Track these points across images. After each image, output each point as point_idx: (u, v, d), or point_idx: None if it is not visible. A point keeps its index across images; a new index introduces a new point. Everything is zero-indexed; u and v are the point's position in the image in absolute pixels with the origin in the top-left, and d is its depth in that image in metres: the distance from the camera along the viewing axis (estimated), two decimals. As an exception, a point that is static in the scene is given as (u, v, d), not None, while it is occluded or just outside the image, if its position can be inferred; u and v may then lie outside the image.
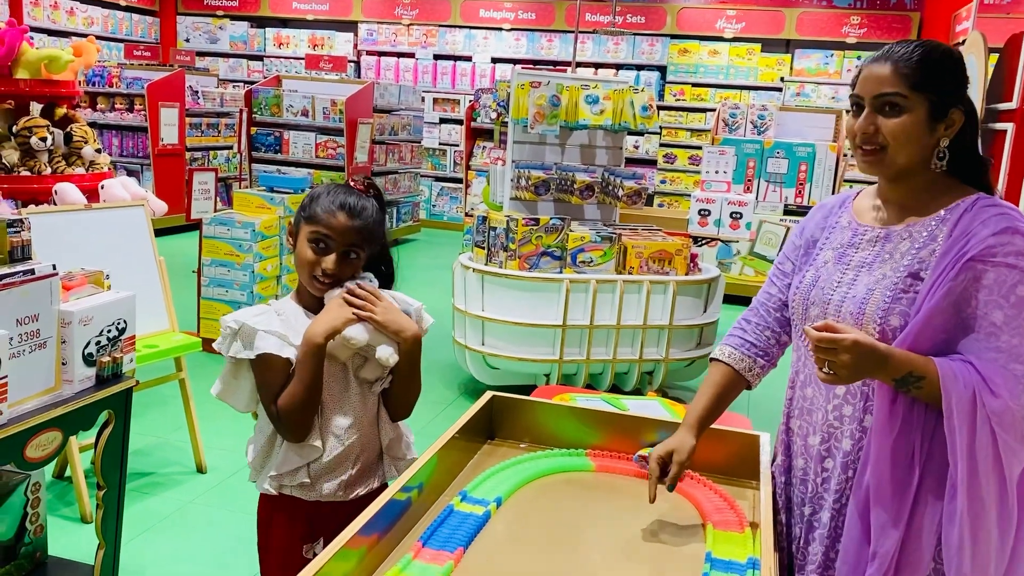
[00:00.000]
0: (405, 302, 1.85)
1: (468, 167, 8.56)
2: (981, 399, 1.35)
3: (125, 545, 2.80)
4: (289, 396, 1.71)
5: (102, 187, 3.63)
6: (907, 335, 1.41)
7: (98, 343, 2.36)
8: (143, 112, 8.78)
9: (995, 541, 1.38)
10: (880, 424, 1.44)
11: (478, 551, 1.49)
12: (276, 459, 1.78)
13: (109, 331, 2.42)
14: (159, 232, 8.94)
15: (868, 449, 1.46)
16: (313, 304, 1.79)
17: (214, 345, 1.78)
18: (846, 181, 7.41)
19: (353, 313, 1.70)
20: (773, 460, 1.76)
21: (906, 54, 1.43)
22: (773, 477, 1.72)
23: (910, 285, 1.43)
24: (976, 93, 3.88)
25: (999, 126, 3.75)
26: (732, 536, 1.56)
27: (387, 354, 1.72)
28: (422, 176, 10.42)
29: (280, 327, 1.72)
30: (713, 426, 1.93)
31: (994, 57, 3.95)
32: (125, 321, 2.48)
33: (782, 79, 9.98)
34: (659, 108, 10.30)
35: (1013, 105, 3.62)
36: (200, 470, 3.50)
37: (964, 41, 4.21)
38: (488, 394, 2.01)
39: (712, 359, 1.76)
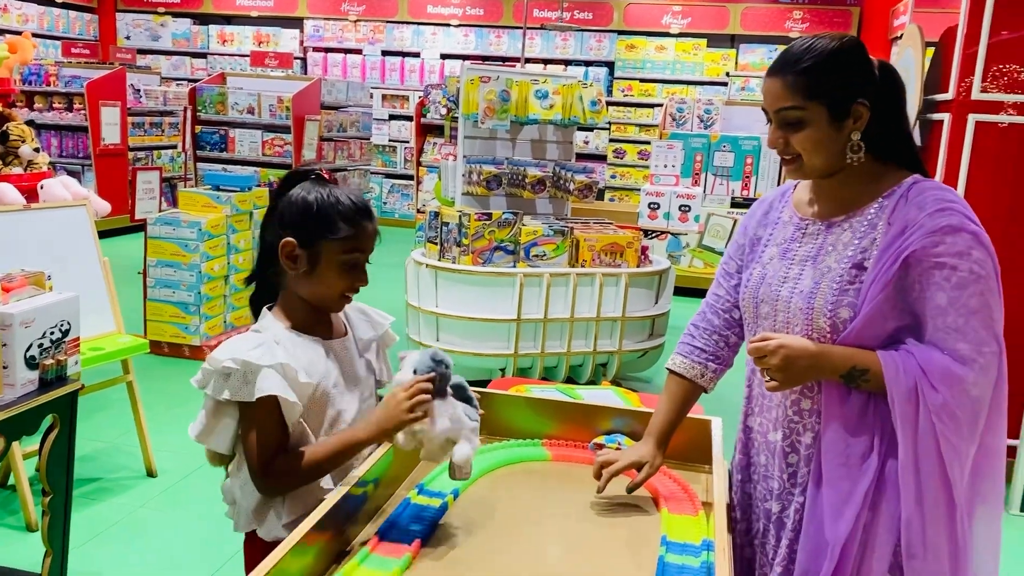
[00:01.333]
0: (378, 314, 1.75)
1: (419, 163, 8.53)
2: (922, 392, 1.37)
3: (73, 552, 2.73)
4: (308, 464, 1.48)
5: (41, 187, 3.54)
6: (853, 328, 1.43)
7: (41, 346, 2.31)
8: (83, 111, 8.56)
9: (944, 530, 1.40)
10: (829, 413, 1.47)
11: (436, 543, 1.48)
12: (281, 507, 1.53)
13: (52, 333, 2.36)
14: (103, 234, 8.72)
15: (820, 438, 1.49)
16: (307, 323, 1.57)
17: (192, 381, 1.51)
18: (791, 173, 7.55)
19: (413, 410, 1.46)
20: (733, 458, 1.77)
21: (794, 64, 1.43)
22: (731, 475, 1.74)
23: (855, 276, 1.44)
24: (914, 84, 3.99)
25: (936, 116, 3.86)
26: (686, 519, 1.58)
27: (464, 458, 1.50)
28: (372, 173, 10.34)
29: (285, 358, 1.47)
30: (666, 412, 1.96)
31: (930, 51, 4.06)
32: (69, 323, 2.42)
33: (727, 74, 10.13)
34: (608, 104, 10.38)
35: (949, 96, 3.73)
36: (150, 474, 3.43)
37: (902, 36, 4.32)
38: (443, 387, 2.01)
39: (667, 368, 1.77)
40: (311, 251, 1.53)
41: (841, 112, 1.44)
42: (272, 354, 1.46)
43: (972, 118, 3.64)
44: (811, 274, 1.50)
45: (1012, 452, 3.59)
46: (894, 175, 1.49)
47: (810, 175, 1.52)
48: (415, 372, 1.49)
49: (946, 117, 3.73)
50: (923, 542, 1.39)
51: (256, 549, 1.54)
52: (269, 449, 1.47)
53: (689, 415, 1.92)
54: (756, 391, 1.65)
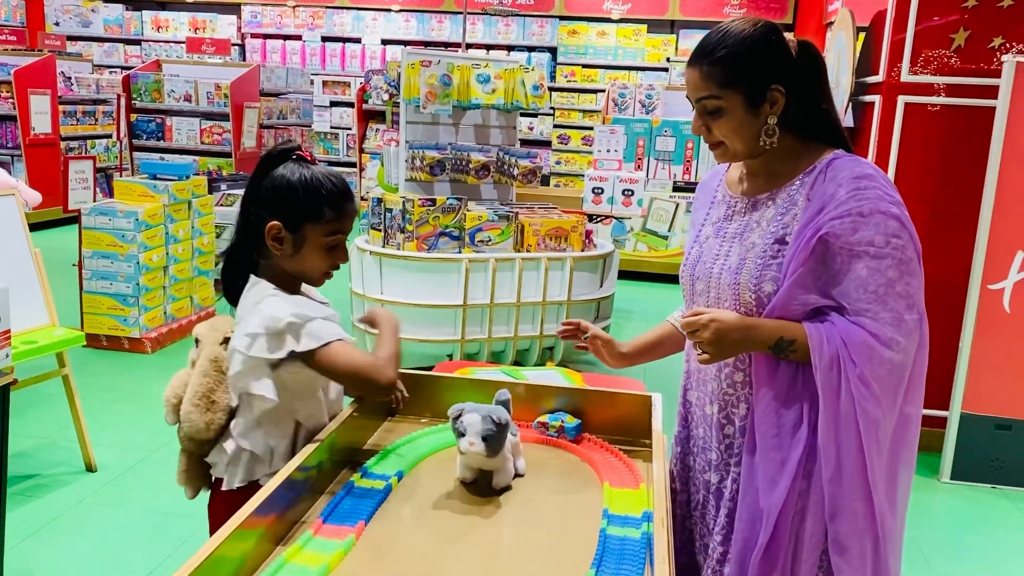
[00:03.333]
0: (319, 297, 1.79)
1: (361, 150, 8.45)
2: (843, 362, 1.42)
3: (10, 550, 2.67)
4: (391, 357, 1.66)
5: (-34, 177, 3.41)
6: (776, 301, 1.47)
7: (-32, 339, 2.23)
8: (11, 100, 8.27)
9: (861, 493, 1.44)
10: (760, 384, 1.51)
11: (380, 524, 1.49)
12: (283, 451, 1.66)
13: (-20, 326, 2.29)
14: (35, 226, 8.46)
15: (752, 410, 1.53)
16: (292, 290, 1.68)
17: (237, 347, 1.59)
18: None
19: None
20: (674, 432, 1.81)
21: (709, 54, 1.47)
22: (673, 447, 1.78)
23: (778, 251, 1.48)
24: (846, 67, 4.08)
25: (868, 98, 3.96)
26: (627, 493, 1.61)
27: (505, 481, 1.61)
28: (315, 161, 10.21)
29: (321, 310, 1.65)
30: (608, 390, 1.99)
31: (863, 35, 4.16)
32: (-2, 315, 2.35)
33: (668, 59, 10.23)
34: (551, 89, 10.41)
35: (879, 78, 3.83)
36: (89, 468, 3.35)
37: (834, 21, 4.42)
38: (386, 371, 2.01)
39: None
40: (296, 234, 1.61)
41: (757, 98, 1.47)
42: (313, 308, 1.62)
43: (901, 100, 3.75)
44: (738, 250, 1.54)
45: (942, 423, 3.72)
46: (815, 152, 1.53)
47: (736, 158, 1.56)
48: (484, 440, 1.54)
49: (877, 99, 3.83)
50: (842, 504, 1.44)
51: (219, 507, 1.66)
52: (365, 361, 1.61)
53: (630, 391, 1.96)
54: (693, 366, 1.69)
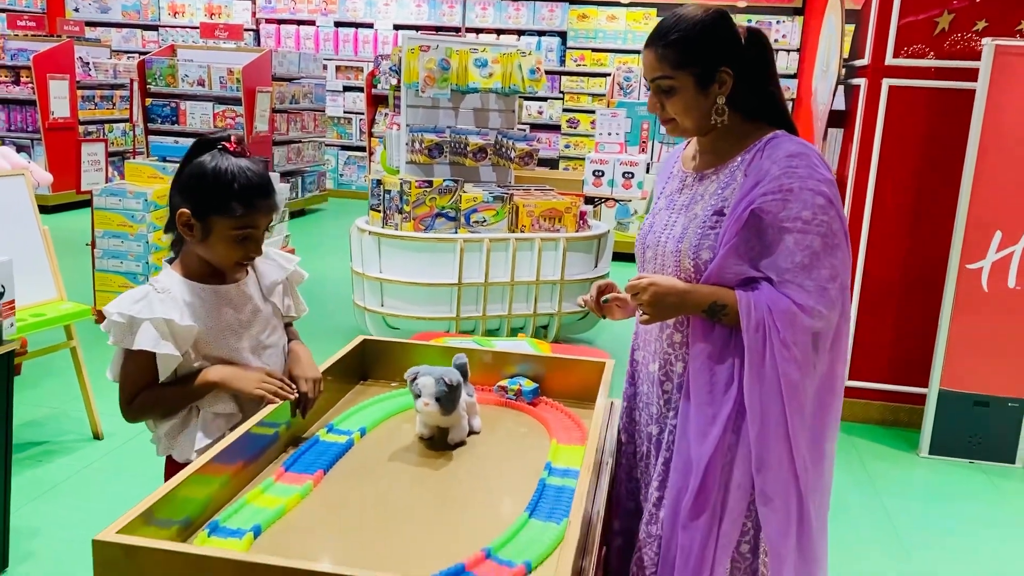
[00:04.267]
0: (283, 257, 1.89)
1: (371, 134, 8.57)
2: (768, 328, 1.53)
3: (18, 510, 2.84)
4: (164, 402, 1.68)
5: (-21, 158, 3.57)
6: (712, 268, 1.59)
7: (-26, 308, 2.39)
8: (30, 85, 8.47)
9: (784, 446, 1.55)
10: (695, 344, 1.63)
11: (338, 474, 1.62)
12: (195, 430, 1.70)
13: (-14, 296, 2.44)
14: (53, 208, 8.66)
15: (688, 366, 1.64)
16: (203, 274, 1.71)
17: (103, 327, 1.66)
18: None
19: (264, 394, 1.65)
20: (624, 389, 1.93)
21: (663, 37, 1.58)
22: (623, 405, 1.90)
23: (716, 222, 1.60)
24: (835, 51, 4.14)
25: (855, 81, 4.02)
26: (573, 448, 1.73)
27: (459, 437, 1.73)
28: (327, 145, 10.35)
29: (164, 311, 1.62)
30: (566, 356, 2.11)
31: (851, 28, 4.22)
32: (3, 286, 2.50)
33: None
34: (561, 73, 10.47)
35: (865, 61, 3.89)
36: (96, 436, 3.52)
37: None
38: (359, 337, 2.13)
39: None
40: (204, 224, 1.65)
41: (707, 79, 1.59)
42: (151, 308, 1.61)
43: (886, 83, 3.80)
44: (682, 220, 1.65)
45: (921, 399, 3.80)
46: (759, 132, 1.64)
47: (686, 134, 1.68)
48: (437, 400, 1.66)
49: (863, 82, 3.89)
50: (767, 458, 1.55)
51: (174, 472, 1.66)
52: (132, 389, 1.66)
53: (587, 358, 2.08)
54: (640, 328, 1.81)
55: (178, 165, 1.72)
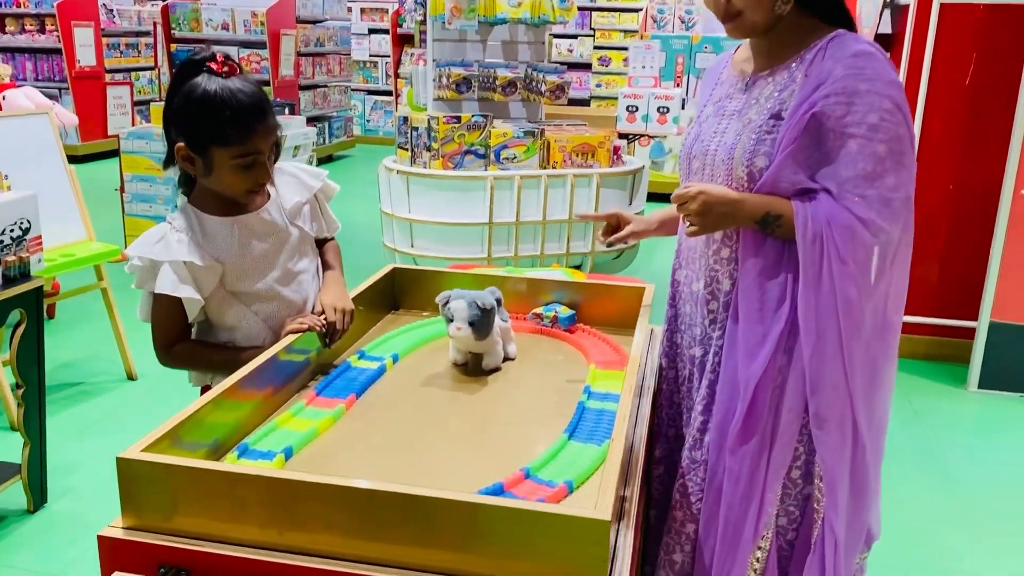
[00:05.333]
0: (309, 174, 1.78)
1: (397, 75, 8.43)
2: (825, 242, 1.43)
3: (56, 448, 2.85)
4: (204, 364, 1.65)
5: (3, 98, 3.53)
6: (767, 176, 1.48)
7: (1, 243, 2.36)
8: (56, 33, 8.42)
9: (840, 367, 1.46)
10: (745, 258, 1.53)
11: (371, 398, 1.56)
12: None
13: (12, 231, 2.41)
14: (83, 158, 8.67)
15: (737, 284, 1.55)
16: (220, 205, 1.61)
17: (127, 269, 1.60)
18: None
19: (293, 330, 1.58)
20: (665, 313, 1.84)
21: None
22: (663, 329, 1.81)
23: (773, 126, 1.49)
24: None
25: (903, 1, 3.82)
26: (612, 373, 1.66)
27: (494, 363, 1.68)
28: (354, 90, 10.22)
29: (182, 252, 1.54)
30: (603, 282, 2.03)
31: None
32: (29, 221, 2.47)
33: (713, -24, 9.88)
34: (592, 10, 10.19)
35: (916, -21, 3.68)
36: (130, 377, 3.53)
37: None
38: (389, 266, 2.07)
39: None
40: (203, 157, 1.54)
41: None
42: (169, 250, 1.54)
43: (937, 1, 3.60)
44: (735, 127, 1.55)
45: (971, 333, 3.68)
46: (819, 31, 1.52)
47: (749, 32, 1.54)
48: (470, 324, 1.59)
49: (912, 1, 3.69)
50: (822, 379, 1.46)
51: None
52: (164, 334, 1.61)
53: (626, 283, 1.99)
54: (683, 245, 1.72)
55: (167, 94, 1.61)
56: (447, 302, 1.64)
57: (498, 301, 1.67)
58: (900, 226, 1.46)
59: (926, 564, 2.49)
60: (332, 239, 1.87)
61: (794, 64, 1.51)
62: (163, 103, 1.71)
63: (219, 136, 1.51)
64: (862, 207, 1.42)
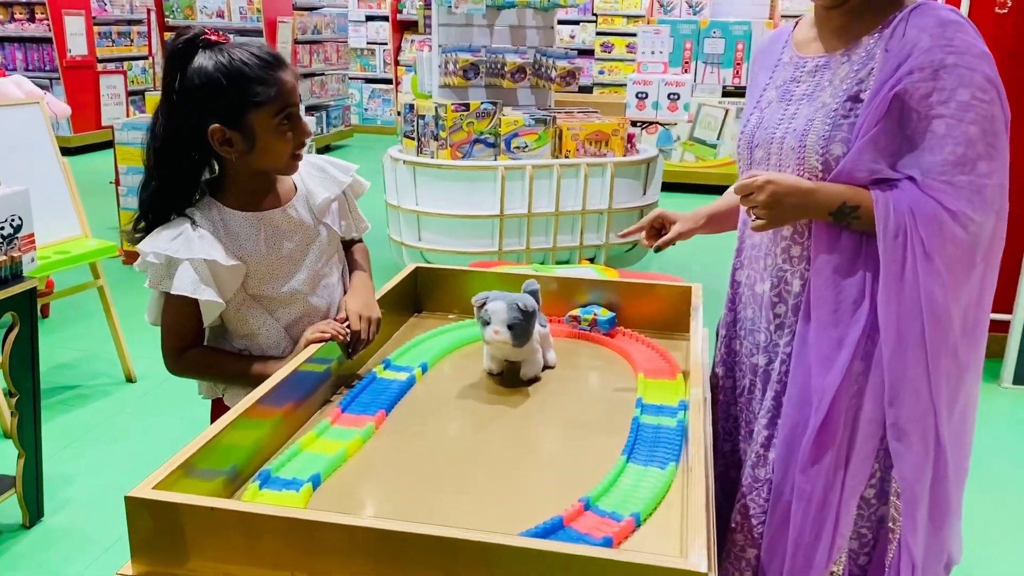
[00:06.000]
0: (339, 167, 1.64)
1: (397, 63, 8.24)
2: (910, 234, 1.29)
3: (52, 456, 2.70)
4: (219, 374, 1.51)
5: (-8, 87, 3.36)
6: (844, 164, 1.33)
7: (-10, 241, 2.20)
8: (46, 21, 8.20)
9: (923, 375, 1.32)
10: (818, 255, 1.38)
11: (401, 414, 1.41)
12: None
13: (2, 228, 2.25)
14: (75, 151, 8.47)
15: (809, 285, 1.40)
16: (248, 198, 1.48)
17: (137, 267, 1.45)
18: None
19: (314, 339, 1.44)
20: (720, 318, 1.69)
21: None
22: (717, 334, 1.66)
23: (850, 110, 1.34)
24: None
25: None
26: (663, 383, 1.51)
27: (533, 372, 1.54)
28: (351, 79, 10.02)
29: (204, 250, 1.41)
30: (645, 281, 1.88)
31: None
32: (20, 218, 2.31)
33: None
34: (593, -5, 9.99)
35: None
36: (129, 379, 3.37)
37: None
38: (411, 266, 1.92)
39: None
40: (242, 130, 1.40)
41: None
42: (189, 247, 1.40)
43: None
44: (806, 112, 1.40)
45: (1005, 327, 3.54)
46: (897, 1, 1.36)
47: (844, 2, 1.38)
48: (510, 328, 1.45)
49: (943, -20, 3.53)
50: (903, 387, 1.31)
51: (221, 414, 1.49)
52: (176, 339, 1.48)
53: (670, 283, 1.84)
54: (746, 243, 1.56)
55: (161, 91, 1.44)
56: (484, 303, 1.48)
57: (537, 301, 1.52)
58: (994, 216, 1.31)
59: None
60: (360, 240, 1.72)
61: (871, 40, 1.36)
62: (158, 92, 1.54)
63: (253, 98, 1.38)
64: (951, 196, 1.28)
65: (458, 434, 1.37)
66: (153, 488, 0.99)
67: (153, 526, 0.99)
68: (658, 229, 1.73)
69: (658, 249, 1.69)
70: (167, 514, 0.98)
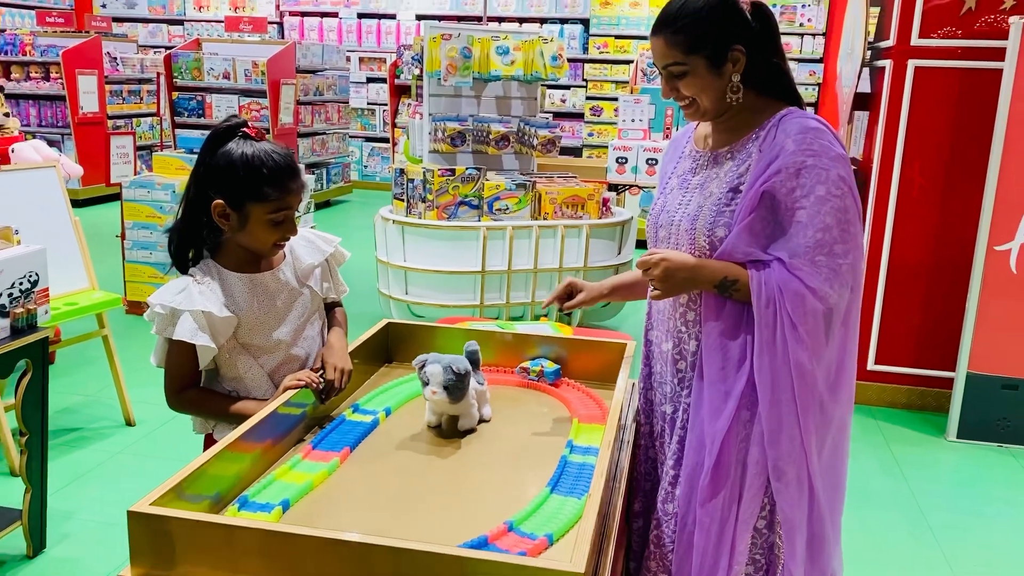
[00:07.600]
0: (323, 239, 1.92)
1: (394, 125, 8.60)
2: (778, 306, 1.53)
3: (55, 493, 2.92)
4: (207, 411, 1.77)
5: (12, 151, 3.65)
6: (726, 245, 1.59)
7: (11, 295, 2.45)
8: (60, 80, 8.60)
9: (795, 421, 1.56)
10: (708, 320, 1.64)
11: (364, 452, 1.65)
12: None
13: (21, 283, 2.50)
14: (84, 202, 8.79)
15: (702, 345, 1.65)
16: (241, 263, 1.75)
17: (146, 316, 1.71)
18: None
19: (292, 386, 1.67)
20: (640, 370, 1.94)
21: (671, 23, 1.57)
22: (638, 385, 1.91)
23: (731, 199, 1.60)
24: (859, 33, 4.10)
25: (880, 63, 3.98)
26: (594, 427, 1.75)
27: (469, 424, 1.72)
28: (352, 137, 10.40)
29: (203, 303, 1.66)
30: (587, 338, 2.13)
31: (876, 10, 4.17)
32: (37, 274, 2.56)
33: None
34: (584, 61, 10.44)
35: (890, 43, 3.85)
36: (128, 423, 3.60)
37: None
38: (383, 321, 2.16)
39: None
40: (240, 212, 1.68)
41: (719, 60, 1.58)
42: (191, 300, 1.66)
43: (912, 64, 3.76)
44: (697, 199, 1.66)
45: (949, 383, 3.77)
46: (771, 109, 1.64)
47: (706, 116, 1.67)
48: (445, 388, 1.64)
49: (888, 63, 3.85)
50: (778, 430, 1.55)
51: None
52: (176, 380, 1.74)
53: (609, 339, 2.09)
54: (654, 307, 1.82)
55: (197, 159, 1.74)
56: (423, 366, 1.69)
57: (475, 364, 1.73)
58: (847, 291, 1.56)
59: (903, 612, 2.55)
60: (340, 303, 1.99)
61: (750, 141, 1.63)
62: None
63: (257, 192, 1.66)
64: (812, 276, 1.53)
65: (410, 469, 1.60)
66: (151, 504, 1.23)
67: (150, 536, 1.22)
68: (570, 295, 1.98)
69: (565, 312, 1.96)
70: (162, 526, 1.21)
